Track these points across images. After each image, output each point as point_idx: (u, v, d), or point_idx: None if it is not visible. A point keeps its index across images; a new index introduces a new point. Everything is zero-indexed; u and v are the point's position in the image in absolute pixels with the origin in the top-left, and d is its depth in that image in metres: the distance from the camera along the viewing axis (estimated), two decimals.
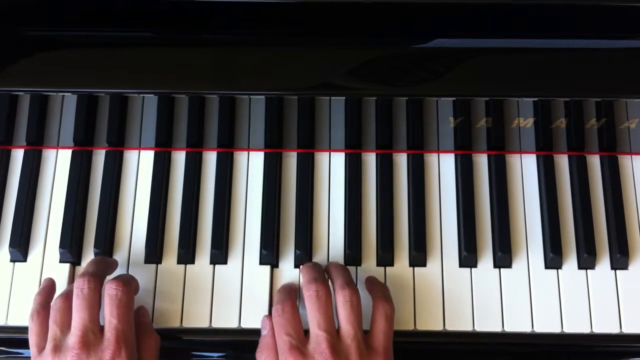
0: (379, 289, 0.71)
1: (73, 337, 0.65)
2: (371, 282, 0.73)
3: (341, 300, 0.67)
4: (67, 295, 0.68)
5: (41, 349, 0.66)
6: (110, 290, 0.67)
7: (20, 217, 0.75)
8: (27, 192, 0.76)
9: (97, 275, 0.68)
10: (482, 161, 0.78)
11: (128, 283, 0.68)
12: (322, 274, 0.70)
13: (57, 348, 0.65)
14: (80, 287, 0.66)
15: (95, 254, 0.74)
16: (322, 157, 0.78)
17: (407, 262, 0.75)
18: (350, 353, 0.64)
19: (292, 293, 0.71)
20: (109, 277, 0.71)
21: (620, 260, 0.74)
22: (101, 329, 0.66)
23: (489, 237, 0.76)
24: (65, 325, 0.66)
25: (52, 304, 0.68)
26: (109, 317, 0.66)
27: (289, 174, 0.78)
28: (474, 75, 0.69)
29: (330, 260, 0.75)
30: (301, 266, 0.72)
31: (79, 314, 0.65)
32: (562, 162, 0.78)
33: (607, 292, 0.73)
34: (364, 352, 0.65)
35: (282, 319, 0.67)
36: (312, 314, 0.66)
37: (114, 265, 0.73)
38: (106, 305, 0.66)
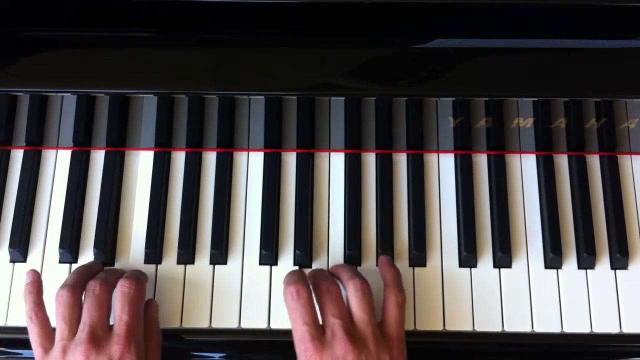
0: (390, 276, 0.70)
1: (82, 334, 0.64)
2: (384, 265, 0.72)
3: (352, 289, 0.66)
4: (74, 290, 0.67)
5: (47, 349, 0.65)
6: (123, 288, 0.67)
7: (20, 218, 0.75)
8: (26, 193, 0.76)
9: (109, 281, 0.68)
10: (481, 161, 0.78)
11: (140, 281, 0.69)
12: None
13: (66, 347, 0.64)
14: (93, 288, 0.67)
15: (95, 255, 0.74)
16: (321, 157, 0.78)
17: (407, 262, 0.75)
18: (367, 339, 0.64)
19: (305, 277, 0.69)
20: None
21: (620, 260, 0.74)
22: (110, 327, 0.66)
23: (488, 237, 0.76)
24: (74, 323, 0.66)
25: (58, 297, 0.66)
26: (120, 313, 0.66)
27: (288, 174, 0.77)
28: (474, 75, 0.69)
29: (330, 261, 0.75)
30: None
31: (89, 312, 0.65)
32: (562, 162, 0.78)
33: (607, 292, 0.73)
34: (379, 338, 0.65)
35: (298, 304, 0.65)
36: (326, 304, 0.66)
37: (123, 273, 0.73)
38: (118, 302, 0.67)
